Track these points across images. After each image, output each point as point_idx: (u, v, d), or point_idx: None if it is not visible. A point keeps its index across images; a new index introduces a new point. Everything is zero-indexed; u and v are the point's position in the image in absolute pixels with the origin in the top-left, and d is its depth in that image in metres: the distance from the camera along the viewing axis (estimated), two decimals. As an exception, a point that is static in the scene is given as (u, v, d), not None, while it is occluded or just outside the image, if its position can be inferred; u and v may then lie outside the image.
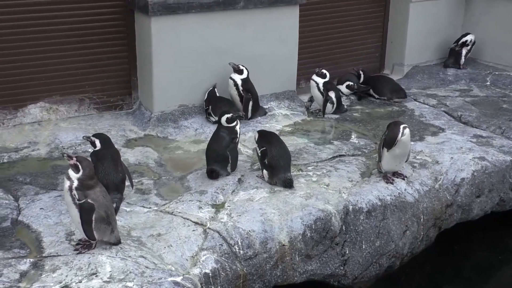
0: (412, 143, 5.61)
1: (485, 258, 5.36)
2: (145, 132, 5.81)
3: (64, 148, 5.41)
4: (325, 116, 6.36)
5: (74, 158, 3.70)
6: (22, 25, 5.55)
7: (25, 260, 3.75)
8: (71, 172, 3.70)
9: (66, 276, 3.59)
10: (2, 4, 5.41)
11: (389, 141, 4.65)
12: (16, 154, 5.27)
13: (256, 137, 4.93)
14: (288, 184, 4.70)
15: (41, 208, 4.35)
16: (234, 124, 4.93)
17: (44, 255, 3.82)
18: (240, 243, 4.12)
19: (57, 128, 5.75)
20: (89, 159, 4.18)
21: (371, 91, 6.98)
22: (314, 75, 6.35)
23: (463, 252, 5.33)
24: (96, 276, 3.61)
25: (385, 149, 4.74)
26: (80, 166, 3.68)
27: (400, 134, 4.61)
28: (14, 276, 3.59)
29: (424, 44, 7.96)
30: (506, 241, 5.57)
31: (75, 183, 3.68)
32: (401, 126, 4.65)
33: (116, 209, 4.26)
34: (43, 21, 5.63)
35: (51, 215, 4.26)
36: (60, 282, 3.54)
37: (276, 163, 4.73)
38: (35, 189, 4.67)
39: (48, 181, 4.81)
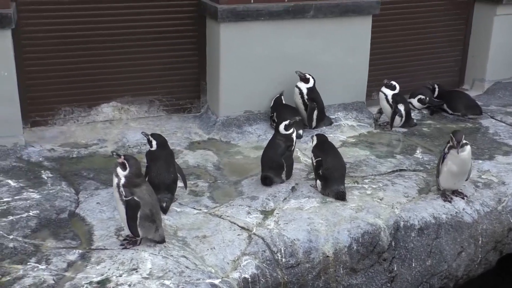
0: (480, 161, 5.41)
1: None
2: (209, 135, 5.92)
3: (129, 147, 5.61)
4: (393, 129, 6.22)
5: (122, 157, 3.84)
6: (99, 28, 5.82)
7: (74, 250, 3.93)
8: (119, 170, 3.85)
9: (109, 269, 3.73)
10: (81, 8, 5.70)
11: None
12: (85, 150, 5.53)
13: (314, 142, 4.90)
14: (341, 196, 4.64)
15: (97, 203, 4.54)
16: (290, 131, 4.93)
17: (92, 247, 3.99)
18: (283, 251, 4.11)
19: (127, 127, 5.99)
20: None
21: (445, 106, 6.76)
22: (383, 86, 6.24)
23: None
24: (136, 271, 3.72)
25: (443, 164, 4.57)
26: (127, 164, 3.82)
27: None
28: (62, 265, 3.77)
29: (508, 59, 7.60)
30: None
31: (122, 181, 3.82)
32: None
33: (166, 209, 4.38)
34: (119, 24, 5.88)
35: (106, 210, 4.44)
36: (102, 275, 3.68)
37: (330, 175, 4.68)
38: (96, 184, 4.88)
39: (109, 177, 4.92)
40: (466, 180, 4.75)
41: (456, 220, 4.56)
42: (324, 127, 6.14)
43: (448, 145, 4.64)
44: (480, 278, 4.79)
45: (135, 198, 3.81)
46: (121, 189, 3.81)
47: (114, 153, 3.93)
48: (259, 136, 5.93)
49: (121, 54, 5.99)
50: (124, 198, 3.81)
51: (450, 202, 4.66)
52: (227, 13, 5.72)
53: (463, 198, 4.73)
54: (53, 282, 3.61)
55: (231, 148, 5.69)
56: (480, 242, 4.63)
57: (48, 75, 5.75)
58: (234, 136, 5.90)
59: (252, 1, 5.79)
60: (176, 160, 5.02)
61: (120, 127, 5.99)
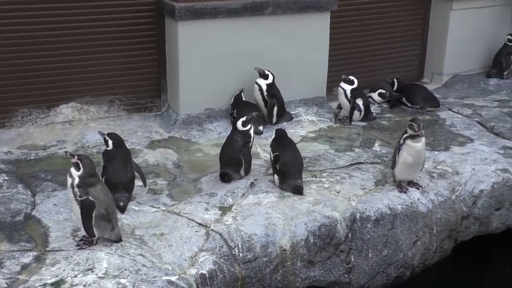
0: (436, 152, 5.51)
1: (507, 274, 5.15)
2: (170, 134, 5.92)
3: (89, 147, 5.58)
4: (352, 123, 6.29)
5: (76, 157, 3.83)
6: (56, 28, 5.76)
7: (29, 253, 3.90)
8: (73, 170, 3.84)
9: (64, 270, 3.72)
10: (38, 8, 5.64)
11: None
12: (44, 152, 5.47)
13: (272, 137, 4.95)
14: (298, 191, 4.68)
15: (54, 204, 4.51)
16: (248, 127, 4.96)
17: (48, 249, 3.97)
18: (240, 246, 4.14)
19: (86, 128, 5.94)
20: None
21: (404, 100, 6.86)
22: (342, 82, 6.30)
23: (484, 267, 5.16)
24: (92, 271, 3.71)
25: (399, 156, 4.65)
26: (81, 165, 3.81)
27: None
28: (15, 268, 3.74)
29: (465, 53, 7.74)
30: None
31: (76, 181, 3.81)
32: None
33: (124, 208, 4.38)
34: (77, 24, 5.83)
35: (62, 211, 4.41)
36: (57, 276, 3.66)
37: (287, 170, 4.73)
38: (53, 185, 4.84)
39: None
40: (421, 170, 4.83)
41: (411, 210, 4.65)
42: (284, 123, 6.18)
43: (404, 136, 4.72)
44: (436, 266, 4.89)
45: (90, 198, 3.80)
46: (75, 189, 3.81)
47: (68, 153, 3.91)
48: (219, 133, 5.95)
49: (80, 54, 5.94)
50: (78, 198, 3.80)
51: (405, 193, 4.75)
52: (184, 11, 5.72)
53: (418, 189, 4.81)
54: (6, 285, 3.58)
55: (191, 146, 5.70)
56: (435, 231, 4.73)
57: (4, 76, 5.68)
58: (194, 134, 5.91)
59: (209, -1, 5.82)
60: (136, 159, 5.06)
61: (80, 128, 5.95)
